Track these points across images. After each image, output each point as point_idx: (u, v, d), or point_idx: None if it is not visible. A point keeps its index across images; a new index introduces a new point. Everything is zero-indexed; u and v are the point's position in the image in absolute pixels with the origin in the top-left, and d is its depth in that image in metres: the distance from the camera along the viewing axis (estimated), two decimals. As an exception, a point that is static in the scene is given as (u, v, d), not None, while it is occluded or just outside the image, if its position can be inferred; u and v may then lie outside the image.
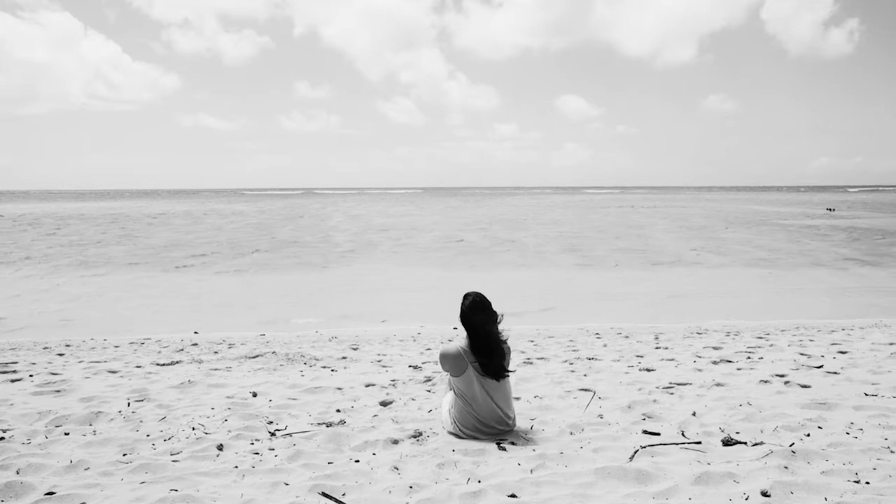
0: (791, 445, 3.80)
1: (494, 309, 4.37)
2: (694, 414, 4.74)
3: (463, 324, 4.32)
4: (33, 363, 7.33)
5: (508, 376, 4.33)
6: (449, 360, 4.26)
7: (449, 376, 4.38)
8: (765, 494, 3.09)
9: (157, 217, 49.33)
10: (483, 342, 4.24)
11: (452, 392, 4.37)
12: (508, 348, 4.36)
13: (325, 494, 3.10)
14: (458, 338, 4.42)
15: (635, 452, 3.79)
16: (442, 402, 4.60)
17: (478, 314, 4.26)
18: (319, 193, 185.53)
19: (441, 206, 72.60)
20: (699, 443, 3.99)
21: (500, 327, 4.39)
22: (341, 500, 3.07)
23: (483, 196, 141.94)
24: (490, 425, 4.24)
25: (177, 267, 20.26)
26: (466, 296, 4.39)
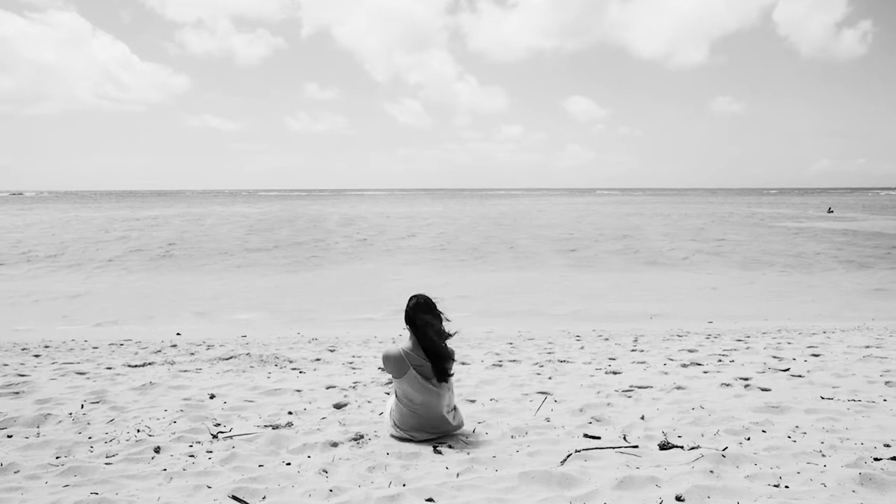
0: (724, 449, 3.77)
1: (440, 311, 4.37)
2: (642, 417, 4.71)
3: (407, 324, 4.32)
4: (6, 364, 7.37)
5: (450, 379, 4.32)
6: (391, 362, 4.26)
7: (392, 379, 4.38)
8: (679, 499, 3.07)
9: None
10: (428, 343, 4.23)
11: (395, 394, 4.37)
12: (451, 352, 4.35)
13: (235, 498, 3.11)
14: (403, 339, 4.42)
15: (568, 456, 3.77)
16: (386, 406, 4.60)
17: (421, 315, 4.26)
18: (322, 195, 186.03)
19: (441, 208, 72.67)
20: (636, 447, 3.96)
21: (447, 328, 4.39)
22: (248, 503, 3.07)
23: (486, 197, 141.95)
24: (431, 428, 4.23)
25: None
26: (412, 297, 4.39)
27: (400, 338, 10.29)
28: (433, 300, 4.38)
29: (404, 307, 4.36)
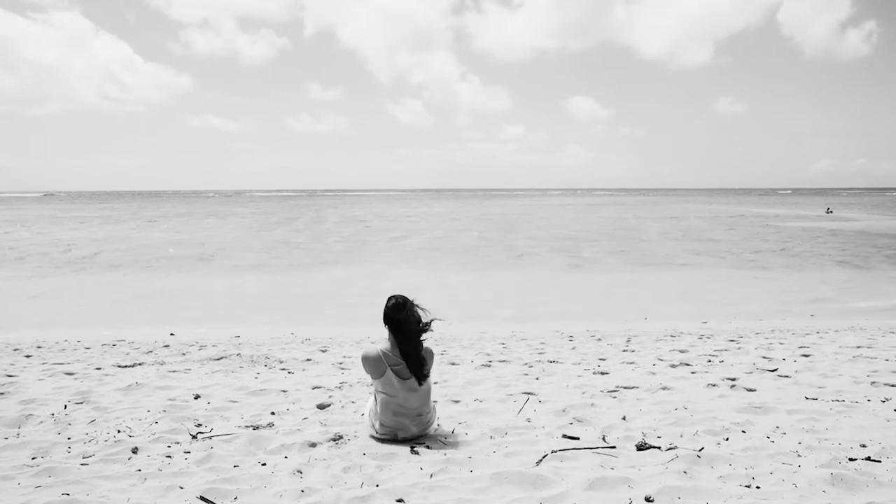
0: (700, 450, 3.76)
1: (418, 309, 4.37)
2: (624, 418, 4.70)
3: (385, 324, 4.33)
4: (-4, 365, 7.38)
5: (427, 378, 4.32)
6: (369, 363, 4.26)
7: (371, 379, 4.38)
8: (648, 500, 3.06)
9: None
10: (405, 341, 4.23)
11: (374, 395, 4.37)
12: (430, 352, 4.35)
13: (203, 499, 3.11)
14: (382, 340, 4.42)
15: (544, 457, 3.76)
16: (366, 406, 4.61)
17: (398, 315, 4.26)
18: (322, 195, 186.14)
19: (441, 209, 72.71)
20: (613, 447, 3.96)
21: (426, 318, 4.37)
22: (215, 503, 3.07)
23: (486, 197, 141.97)
24: (408, 428, 4.23)
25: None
26: (390, 298, 4.40)
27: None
28: (412, 299, 4.38)
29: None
